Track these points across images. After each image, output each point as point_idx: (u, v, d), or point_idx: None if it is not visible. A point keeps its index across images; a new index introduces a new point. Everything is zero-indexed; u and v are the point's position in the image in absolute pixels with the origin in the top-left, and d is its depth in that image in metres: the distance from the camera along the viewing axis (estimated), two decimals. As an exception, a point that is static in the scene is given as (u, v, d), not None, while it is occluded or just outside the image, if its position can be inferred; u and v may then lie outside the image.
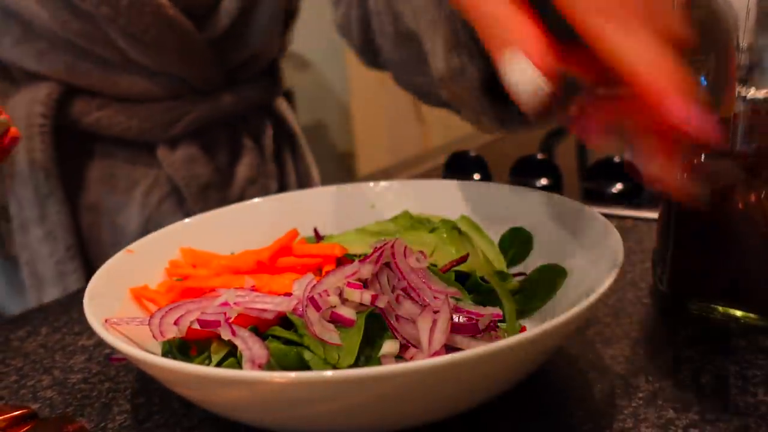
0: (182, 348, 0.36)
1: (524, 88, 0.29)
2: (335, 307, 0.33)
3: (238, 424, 0.33)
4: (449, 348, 0.32)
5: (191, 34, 0.64)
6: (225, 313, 0.33)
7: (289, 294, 0.35)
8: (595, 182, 0.67)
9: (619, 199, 0.65)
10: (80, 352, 0.44)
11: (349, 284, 0.34)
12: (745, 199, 0.37)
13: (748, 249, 0.38)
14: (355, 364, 0.32)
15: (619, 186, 0.66)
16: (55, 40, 0.62)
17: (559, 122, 0.34)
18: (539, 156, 0.72)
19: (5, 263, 0.67)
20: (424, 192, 0.50)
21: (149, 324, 0.34)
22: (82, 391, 0.39)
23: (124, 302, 0.39)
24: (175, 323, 0.34)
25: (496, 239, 0.45)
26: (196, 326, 0.34)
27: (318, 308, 0.33)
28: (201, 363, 0.34)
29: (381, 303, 0.33)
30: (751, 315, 0.39)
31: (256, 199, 0.50)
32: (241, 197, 0.73)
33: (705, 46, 0.37)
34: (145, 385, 0.39)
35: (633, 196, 0.65)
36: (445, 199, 0.49)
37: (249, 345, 0.32)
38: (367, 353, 0.33)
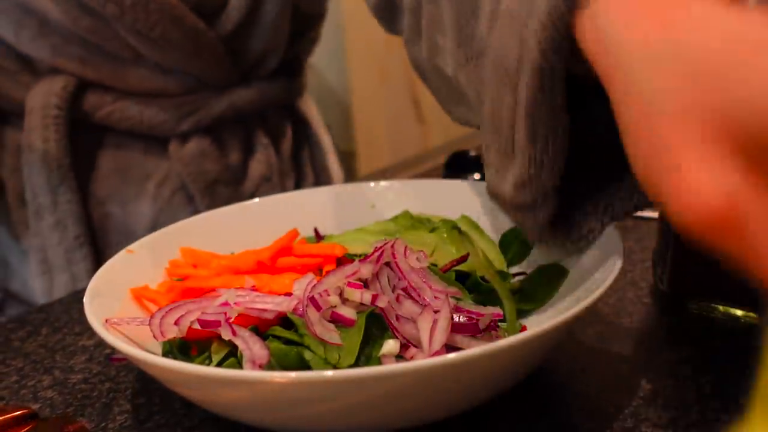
0: (183, 348, 0.36)
1: None
2: (336, 306, 0.33)
3: (238, 424, 0.33)
4: (449, 348, 0.32)
5: (201, 30, 0.65)
6: (225, 313, 0.33)
7: (289, 294, 0.35)
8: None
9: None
10: (81, 353, 0.44)
11: (349, 284, 0.34)
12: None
13: (748, 248, 0.38)
14: (356, 364, 0.32)
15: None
16: (69, 35, 0.64)
17: None
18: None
19: (28, 251, 0.68)
20: (425, 192, 0.50)
21: (150, 324, 0.34)
22: (83, 391, 0.39)
23: (124, 302, 0.39)
24: (176, 323, 0.34)
25: (496, 239, 0.45)
26: (197, 326, 0.34)
27: (318, 308, 0.33)
28: (201, 363, 0.34)
29: (381, 303, 0.33)
30: (752, 314, 0.39)
31: (256, 199, 0.50)
32: (254, 195, 0.74)
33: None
34: (145, 385, 0.39)
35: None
36: (446, 198, 0.49)
37: (249, 345, 0.32)
38: (368, 353, 0.33)
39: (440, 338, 0.32)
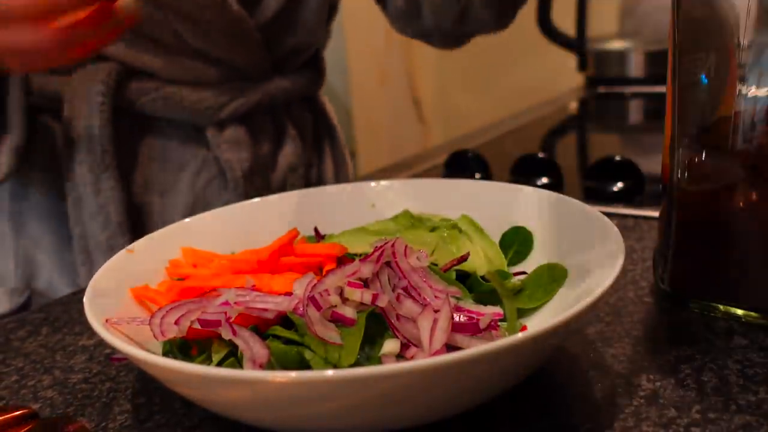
0: (183, 348, 0.36)
1: None
2: (336, 306, 0.33)
3: (238, 423, 0.33)
4: (450, 347, 0.32)
5: (242, 18, 0.67)
6: (226, 313, 0.33)
7: (289, 293, 0.35)
8: (596, 181, 0.67)
9: (620, 198, 0.65)
10: (81, 352, 0.44)
11: (349, 283, 0.34)
12: (746, 197, 0.37)
13: (749, 247, 0.38)
14: (356, 364, 0.32)
15: (620, 185, 0.66)
16: None
17: None
18: (540, 155, 0.72)
19: (56, 243, 0.69)
20: (425, 191, 0.50)
21: (150, 324, 0.34)
22: (83, 391, 0.39)
23: (124, 302, 0.39)
24: (176, 323, 0.34)
25: (496, 238, 0.45)
26: (197, 326, 0.34)
27: (319, 308, 0.33)
28: (202, 363, 0.34)
29: (382, 302, 0.33)
30: (753, 313, 0.39)
31: (256, 199, 0.50)
32: (283, 184, 0.75)
33: (705, 44, 0.37)
34: (145, 385, 0.39)
35: (634, 195, 0.65)
36: (446, 198, 0.49)
37: (250, 344, 0.32)
38: (368, 352, 0.33)
39: (441, 338, 0.32)
